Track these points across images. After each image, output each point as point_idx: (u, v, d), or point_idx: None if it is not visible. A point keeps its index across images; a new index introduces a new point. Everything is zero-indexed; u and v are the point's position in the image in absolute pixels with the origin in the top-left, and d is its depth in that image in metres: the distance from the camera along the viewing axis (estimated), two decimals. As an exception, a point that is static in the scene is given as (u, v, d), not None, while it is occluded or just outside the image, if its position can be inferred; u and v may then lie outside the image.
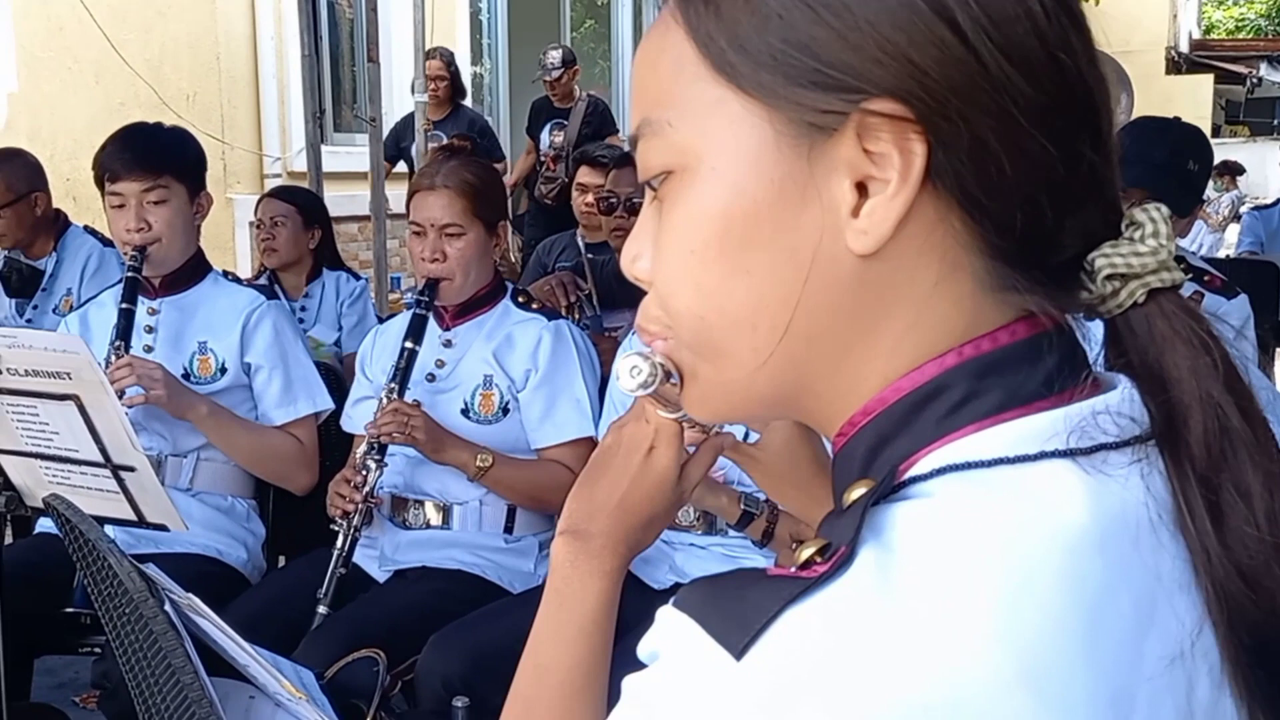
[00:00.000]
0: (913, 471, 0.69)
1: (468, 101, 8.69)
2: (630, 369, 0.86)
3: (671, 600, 0.65)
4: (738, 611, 0.61)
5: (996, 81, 0.67)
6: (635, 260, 0.79)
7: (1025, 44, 0.67)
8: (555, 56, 8.41)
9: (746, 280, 0.71)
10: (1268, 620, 0.67)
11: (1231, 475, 0.68)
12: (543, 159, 8.35)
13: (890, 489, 0.66)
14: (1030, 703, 0.59)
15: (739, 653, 0.59)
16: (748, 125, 0.70)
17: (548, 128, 8.48)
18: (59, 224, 4.53)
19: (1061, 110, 0.68)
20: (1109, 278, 0.71)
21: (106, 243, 4.42)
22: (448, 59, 7.85)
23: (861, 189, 0.68)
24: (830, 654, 0.58)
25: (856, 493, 0.67)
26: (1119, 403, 0.70)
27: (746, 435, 1.39)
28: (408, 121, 7.56)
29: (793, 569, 0.63)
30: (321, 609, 2.67)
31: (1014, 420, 0.68)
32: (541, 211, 8.01)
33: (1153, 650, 0.65)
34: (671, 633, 0.64)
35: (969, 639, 0.59)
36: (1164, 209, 0.72)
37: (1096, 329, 0.74)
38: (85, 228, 4.59)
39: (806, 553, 0.64)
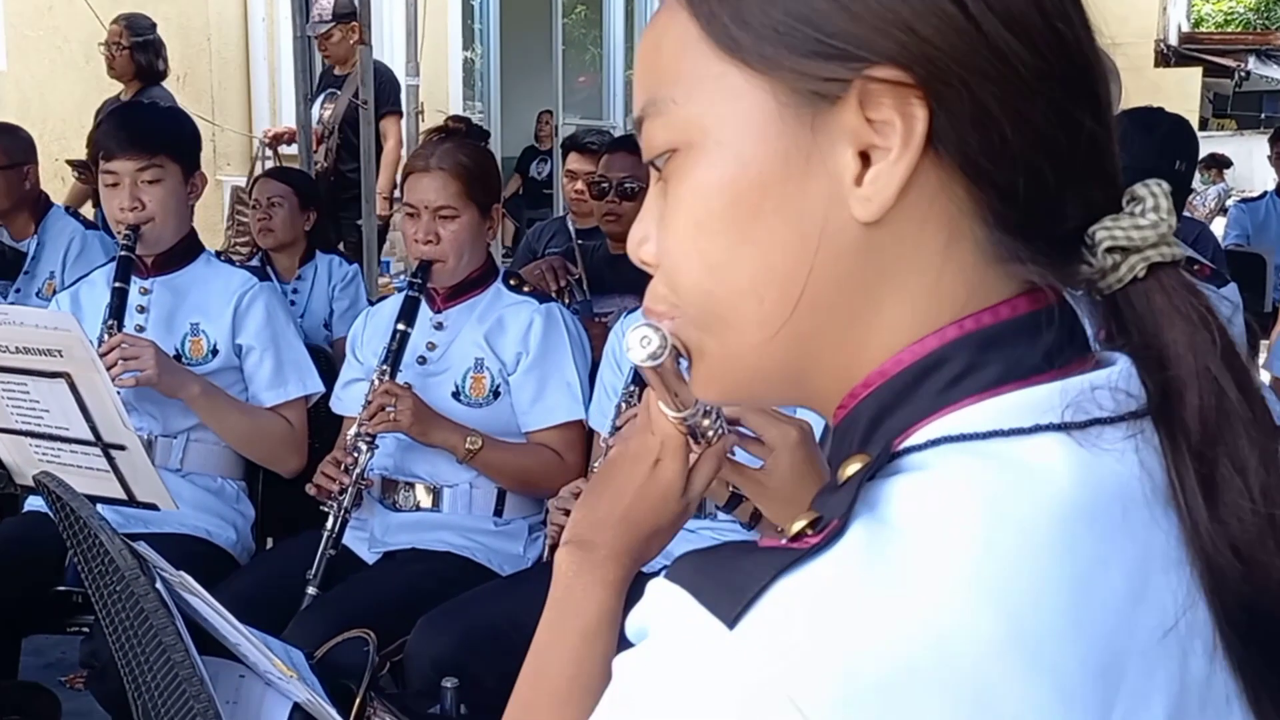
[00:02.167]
0: (908, 442, 0.69)
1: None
2: (641, 339, 0.85)
3: (662, 573, 0.65)
4: (730, 581, 0.61)
5: (997, 49, 0.68)
6: (642, 243, 0.80)
7: (1024, 13, 0.69)
8: (326, 5, 6.57)
9: (753, 251, 0.72)
10: (1260, 594, 0.68)
11: (1227, 450, 0.68)
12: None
13: (885, 463, 0.67)
14: (1020, 665, 0.59)
15: (732, 621, 0.60)
16: (751, 98, 0.71)
17: (320, 98, 6.78)
18: (41, 205, 4.52)
19: (1061, 79, 0.70)
20: (1110, 250, 0.72)
21: (89, 225, 4.40)
22: (137, 27, 6.17)
23: (865, 158, 0.69)
24: (822, 621, 0.59)
25: (852, 468, 0.68)
26: (1117, 378, 0.70)
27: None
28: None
29: (784, 540, 0.64)
30: (311, 590, 2.68)
31: (1011, 393, 0.69)
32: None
33: (1145, 622, 0.65)
34: (662, 604, 0.64)
35: (959, 604, 0.60)
36: (1165, 184, 0.73)
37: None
38: (66, 209, 4.56)
39: (798, 525, 0.64)
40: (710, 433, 1.11)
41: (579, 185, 4.63)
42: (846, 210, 0.70)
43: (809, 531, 0.63)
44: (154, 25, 6.14)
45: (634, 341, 0.86)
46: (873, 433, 0.73)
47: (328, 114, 6.65)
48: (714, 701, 0.59)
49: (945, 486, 0.65)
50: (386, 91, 6.71)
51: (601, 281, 3.99)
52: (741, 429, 1.28)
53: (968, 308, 0.71)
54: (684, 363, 0.83)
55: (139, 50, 6.08)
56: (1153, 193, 0.72)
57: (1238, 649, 0.69)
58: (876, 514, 0.63)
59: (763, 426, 1.28)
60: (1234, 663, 0.69)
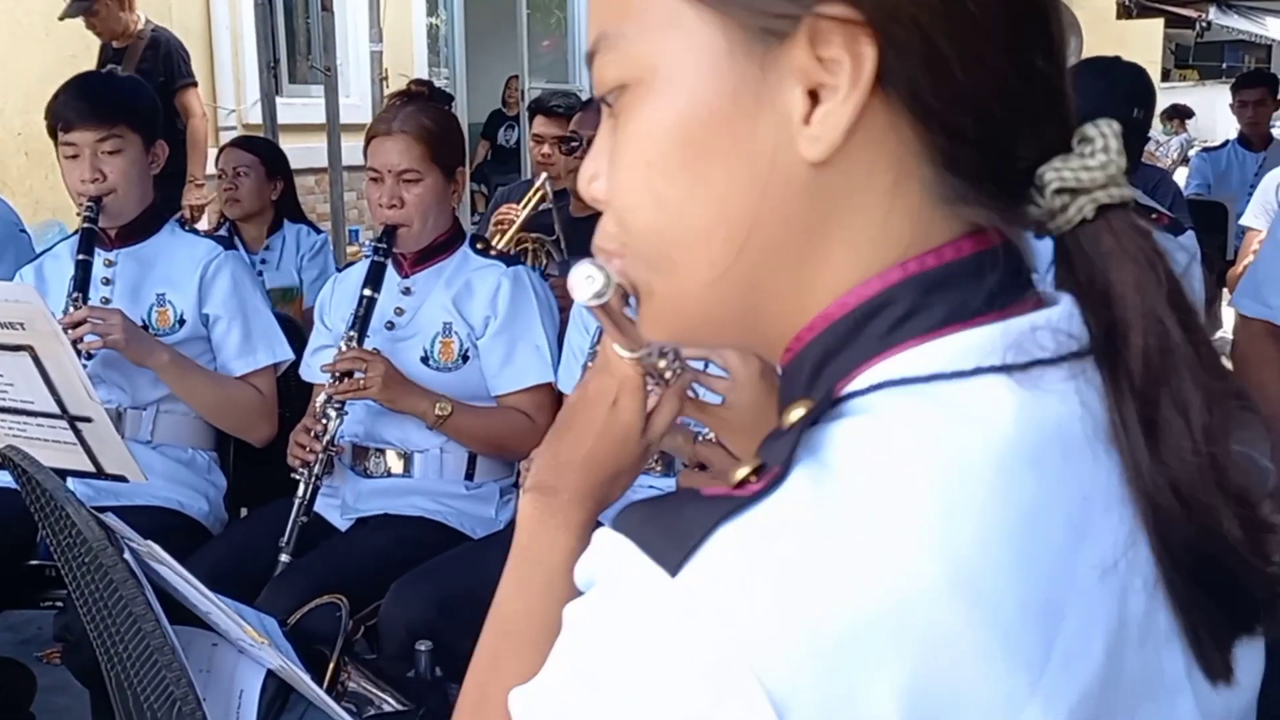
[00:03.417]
0: (851, 387, 0.70)
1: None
2: (585, 277, 0.85)
3: (609, 522, 0.66)
4: (673, 530, 0.61)
5: None
6: (592, 180, 0.80)
7: None
8: None
9: (702, 191, 0.72)
10: (1200, 534, 0.68)
11: (1171, 391, 0.69)
12: None
13: (828, 408, 0.67)
14: (962, 610, 0.60)
15: (674, 569, 0.60)
16: (702, 35, 0.70)
17: None
18: None
19: (1014, 18, 0.69)
20: (1058, 192, 0.71)
21: None
22: None
23: (814, 97, 0.69)
24: (763, 568, 0.59)
25: (795, 413, 0.68)
26: (1058, 318, 0.70)
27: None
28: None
29: (728, 488, 0.64)
30: (284, 557, 2.68)
31: (953, 335, 0.69)
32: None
33: (1085, 562, 0.66)
34: (607, 553, 0.64)
35: (901, 548, 0.60)
36: (1115, 125, 0.72)
37: (1046, 250, 0.75)
38: None
39: (742, 472, 0.64)
40: (668, 373, 1.11)
41: (545, 148, 4.61)
42: (795, 150, 0.69)
43: (752, 478, 0.63)
44: None
45: (578, 279, 0.85)
46: (817, 377, 0.73)
47: None
48: (658, 649, 0.59)
49: (887, 430, 0.65)
50: (175, 61, 6.06)
51: (569, 242, 3.98)
52: (697, 363, 1.28)
53: (912, 250, 0.71)
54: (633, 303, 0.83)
55: None
56: (1102, 133, 0.72)
57: (1179, 587, 0.69)
58: (818, 459, 0.63)
59: (725, 357, 1.28)
60: (1174, 600, 0.69)
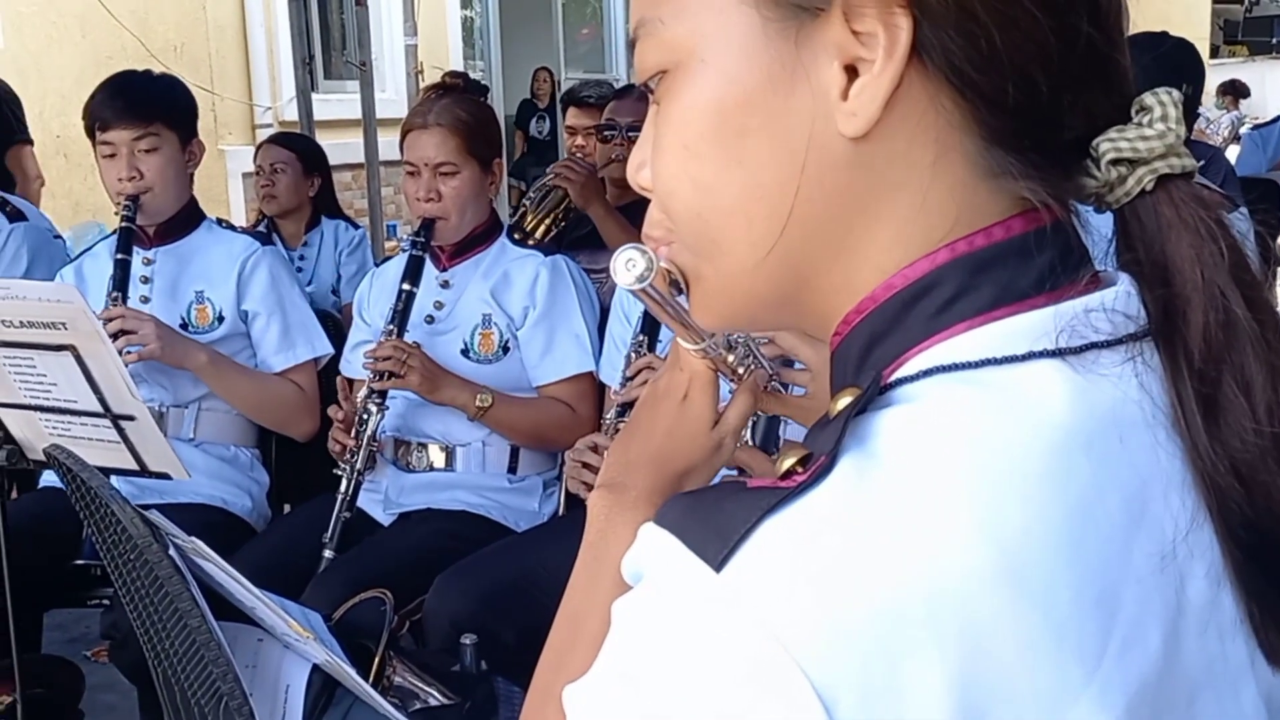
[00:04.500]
0: (900, 373, 0.68)
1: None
2: (626, 262, 0.84)
3: (653, 516, 0.64)
4: (716, 524, 0.60)
5: None
6: (640, 169, 0.79)
7: None
8: None
9: (740, 172, 0.71)
10: (1262, 515, 0.67)
11: (1232, 368, 0.67)
12: None
13: (876, 395, 0.65)
14: (1009, 599, 0.58)
15: (718, 564, 0.59)
16: (736, 14, 0.69)
17: None
18: None
19: None
20: (1114, 163, 0.69)
21: (14, 216, 3.67)
22: None
23: (851, 71, 0.67)
24: (809, 563, 0.58)
25: (843, 401, 0.66)
26: (1114, 299, 0.69)
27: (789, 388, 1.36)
28: None
29: (773, 480, 0.62)
30: (328, 553, 2.68)
31: (1004, 319, 0.67)
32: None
33: (1142, 549, 0.64)
34: (651, 548, 0.63)
35: (949, 537, 0.58)
36: (1175, 93, 0.71)
37: (1105, 224, 0.73)
38: None
39: (788, 463, 0.63)
40: (740, 368, 1.09)
41: (579, 139, 4.60)
42: (833, 126, 0.68)
43: (798, 469, 0.62)
44: None
45: (620, 265, 0.84)
46: (865, 361, 0.72)
47: None
48: (701, 647, 0.58)
49: (937, 419, 0.64)
50: (6, 116, 4.69)
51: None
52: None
53: (958, 228, 0.70)
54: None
55: None
56: (1161, 101, 0.70)
57: (1242, 570, 0.67)
58: (866, 449, 0.62)
59: (796, 348, 1.27)
60: (1238, 584, 0.68)
